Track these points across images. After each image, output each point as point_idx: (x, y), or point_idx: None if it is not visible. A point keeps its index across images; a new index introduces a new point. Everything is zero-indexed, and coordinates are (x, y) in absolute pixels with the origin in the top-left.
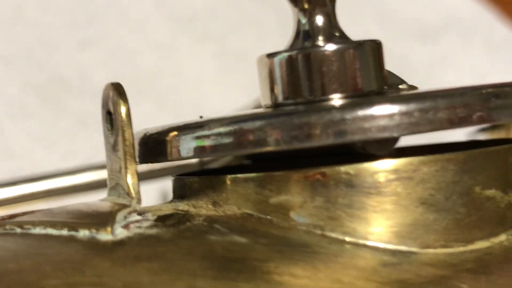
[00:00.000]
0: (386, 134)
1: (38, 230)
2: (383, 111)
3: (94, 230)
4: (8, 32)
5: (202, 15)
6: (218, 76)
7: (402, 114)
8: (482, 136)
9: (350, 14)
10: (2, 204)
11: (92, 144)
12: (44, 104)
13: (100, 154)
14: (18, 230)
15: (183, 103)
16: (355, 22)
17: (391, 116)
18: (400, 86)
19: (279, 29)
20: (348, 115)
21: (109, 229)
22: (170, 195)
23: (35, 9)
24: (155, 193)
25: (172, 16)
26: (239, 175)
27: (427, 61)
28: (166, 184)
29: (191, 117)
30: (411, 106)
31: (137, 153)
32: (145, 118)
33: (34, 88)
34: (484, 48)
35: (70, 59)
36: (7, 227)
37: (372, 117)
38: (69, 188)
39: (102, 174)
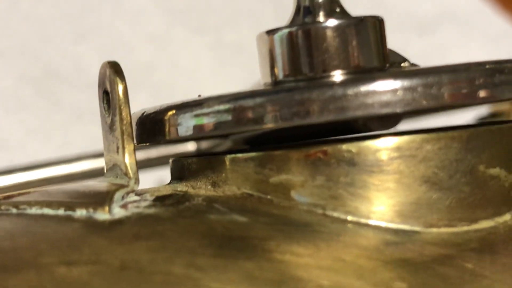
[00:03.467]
0: (388, 110)
1: (34, 210)
2: (386, 87)
3: (91, 210)
4: (3, 25)
5: (198, 6)
6: (213, 68)
7: (405, 89)
8: None
9: (346, 7)
10: None
11: (87, 136)
12: (39, 97)
13: (95, 146)
14: (14, 210)
15: (178, 95)
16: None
17: (394, 91)
18: (402, 64)
19: (276, 21)
20: (350, 91)
21: (106, 208)
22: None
23: (30, 2)
24: (152, 183)
25: (167, 7)
26: (239, 155)
27: (424, 54)
28: (163, 174)
29: None
30: (414, 81)
31: (134, 134)
32: None
33: (29, 81)
34: (481, 41)
35: (65, 52)
36: (2, 207)
37: (375, 93)
38: (65, 176)
39: (98, 163)
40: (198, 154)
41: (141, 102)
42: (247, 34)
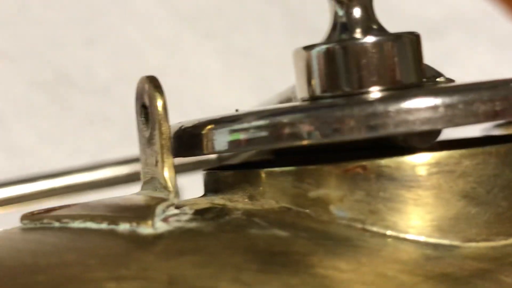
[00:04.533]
0: (430, 127)
1: (77, 224)
2: (427, 103)
3: (134, 224)
4: (13, 30)
5: (207, 12)
6: (222, 73)
7: (447, 106)
8: (498, 132)
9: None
10: (17, 201)
11: (98, 142)
12: (50, 102)
13: (106, 152)
14: (57, 224)
15: (187, 100)
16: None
17: (435, 108)
18: (438, 79)
19: (284, 26)
20: (392, 108)
21: (150, 222)
22: (185, 192)
23: (40, 7)
24: None
25: (176, 13)
26: (275, 169)
27: (432, 57)
28: (181, 181)
29: (195, 115)
30: (455, 98)
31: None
32: None
33: (41, 86)
34: (489, 45)
35: (75, 57)
36: (45, 221)
37: (416, 110)
38: (86, 184)
39: (119, 170)
40: (230, 165)
41: None
42: (256, 39)
